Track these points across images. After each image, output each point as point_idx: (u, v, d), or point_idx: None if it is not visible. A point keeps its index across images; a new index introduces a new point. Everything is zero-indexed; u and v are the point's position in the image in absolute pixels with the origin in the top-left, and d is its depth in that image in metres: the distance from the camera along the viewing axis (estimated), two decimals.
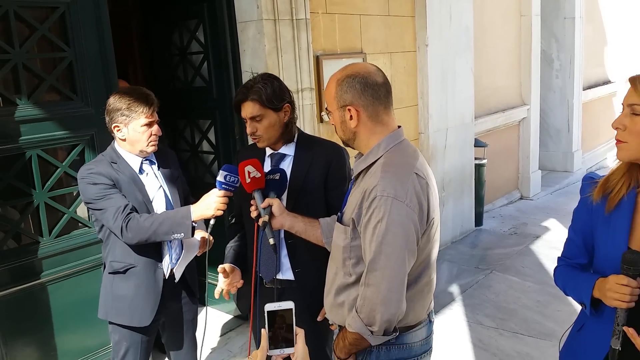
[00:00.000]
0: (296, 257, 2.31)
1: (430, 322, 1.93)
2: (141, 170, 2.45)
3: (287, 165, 2.31)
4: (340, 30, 4.20)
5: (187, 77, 4.13)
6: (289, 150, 2.33)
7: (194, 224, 2.30)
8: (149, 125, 2.36)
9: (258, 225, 2.10)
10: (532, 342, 3.74)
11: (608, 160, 9.30)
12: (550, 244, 5.49)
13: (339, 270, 1.87)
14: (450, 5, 5.27)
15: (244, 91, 2.24)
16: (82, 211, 3.09)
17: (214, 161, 4.09)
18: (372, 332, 1.70)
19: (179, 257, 2.50)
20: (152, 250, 2.42)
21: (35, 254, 2.89)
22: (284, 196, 2.25)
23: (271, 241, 2.06)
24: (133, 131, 2.34)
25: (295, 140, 2.34)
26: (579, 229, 1.83)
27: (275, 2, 3.59)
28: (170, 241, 2.44)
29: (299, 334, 1.31)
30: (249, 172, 2.05)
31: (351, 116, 1.76)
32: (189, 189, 2.71)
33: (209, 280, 3.80)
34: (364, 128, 1.78)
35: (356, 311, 1.74)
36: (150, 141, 2.38)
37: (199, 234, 2.53)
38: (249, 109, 2.22)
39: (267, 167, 2.32)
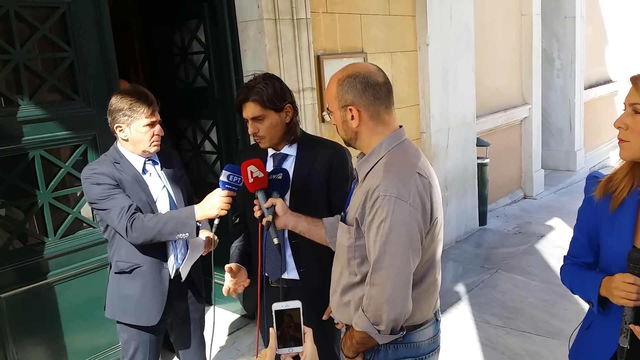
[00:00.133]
0: (300, 256, 2.31)
1: (437, 321, 1.93)
2: (144, 171, 2.44)
3: (289, 166, 2.30)
4: (341, 29, 4.20)
5: (188, 77, 4.13)
6: (291, 150, 2.32)
7: (198, 223, 2.30)
8: (151, 125, 2.35)
9: (262, 225, 2.10)
10: (540, 340, 3.73)
11: (611, 159, 9.31)
12: (555, 243, 5.48)
13: (344, 269, 1.87)
14: (451, 5, 5.27)
15: (245, 91, 2.23)
16: (86, 211, 3.09)
17: (217, 161, 4.09)
18: (379, 331, 1.70)
19: (185, 257, 2.50)
20: (157, 250, 2.42)
21: (41, 254, 2.90)
22: (287, 196, 2.25)
23: (275, 241, 2.06)
24: (135, 131, 2.34)
25: (297, 140, 2.33)
26: (584, 227, 1.83)
27: (276, 1, 3.59)
28: (175, 241, 2.44)
29: (307, 332, 1.31)
30: (251, 172, 2.06)
31: (352, 116, 1.76)
32: (192, 189, 2.71)
33: (215, 280, 3.80)
34: (365, 128, 1.78)
35: (362, 310, 1.73)
36: (153, 141, 2.38)
37: (204, 234, 2.53)
38: (250, 110, 2.21)
39: (270, 167, 2.31)
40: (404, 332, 1.75)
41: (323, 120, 3.99)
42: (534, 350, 3.60)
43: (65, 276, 2.97)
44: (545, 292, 4.43)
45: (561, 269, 1.94)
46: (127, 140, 2.37)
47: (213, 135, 4.05)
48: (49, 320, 2.94)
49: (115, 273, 2.45)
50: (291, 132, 2.29)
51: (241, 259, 2.42)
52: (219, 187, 2.22)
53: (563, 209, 6.68)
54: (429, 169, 1.79)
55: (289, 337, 1.29)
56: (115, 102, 2.32)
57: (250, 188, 2.08)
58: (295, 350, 1.29)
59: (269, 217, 2.04)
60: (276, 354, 1.29)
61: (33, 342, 2.89)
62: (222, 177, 2.19)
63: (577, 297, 1.86)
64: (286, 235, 2.28)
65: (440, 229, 1.81)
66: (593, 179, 1.82)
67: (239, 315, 4.11)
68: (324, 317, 2.21)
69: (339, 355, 2.32)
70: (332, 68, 3.88)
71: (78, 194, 3.09)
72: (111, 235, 2.43)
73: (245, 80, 3.64)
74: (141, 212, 2.34)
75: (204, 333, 2.74)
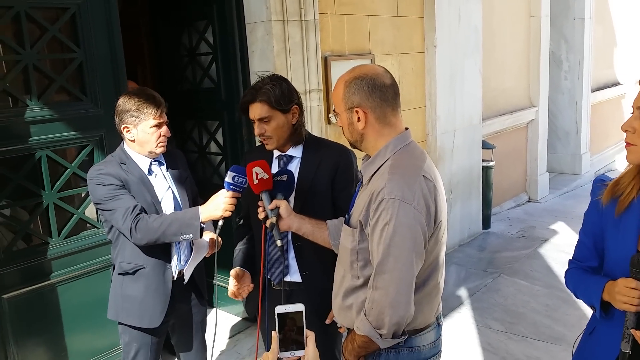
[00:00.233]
0: (304, 259, 2.31)
1: (439, 325, 1.93)
2: (150, 171, 2.45)
3: (294, 167, 2.31)
4: (349, 31, 4.20)
5: (195, 78, 4.14)
6: (296, 152, 2.33)
7: (202, 225, 2.30)
8: (158, 126, 2.37)
9: (265, 227, 2.11)
10: (542, 346, 3.72)
11: (617, 162, 9.25)
12: (559, 248, 5.47)
13: (346, 272, 1.87)
14: (459, 6, 5.26)
15: (252, 92, 2.23)
16: (90, 212, 3.09)
17: (222, 162, 4.09)
18: (380, 335, 1.70)
19: (188, 259, 2.50)
20: (161, 251, 2.43)
21: (44, 254, 2.90)
22: (292, 198, 2.25)
23: (278, 243, 2.06)
24: (142, 132, 2.35)
25: (303, 142, 2.34)
26: (590, 231, 1.83)
27: (284, 3, 3.59)
28: (179, 242, 2.45)
29: (310, 336, 1.32)
30: (256, 174, 2.06)
31: (359, 118, 1.76)
32: (197, 190, 2.72)
33: (219, 283, 3.80)
34: (371, 130, 1.78)
35: (364, 314, 1.73)
36: (159, 142, 2.39)
37: (208, 235, 2.53)
38: (257, 110, 2.21)
39: (275, 168, 2.32)
40: (406, 337, 1.75)
41: (329, 122, 4.00)
42: (535, 356, 3.60)
43: (69, 277, 2.98)
44: (548, 297, 4.42)
45: (566, 272, 1.93)
46: (133, 141, 2.38)
47: (219, 137, 4.06)
48: (50, 321, 2.95)
49: (119, 274, 2.46)
50: (297, 134, 2.30)
51: (245, 262, 2.43)
52: (224, 188, 2.22)
53: (568, 213, 6.65)
54: (434, 171, 1.79)
55: (291, 340, 1.30)
56: (123, 103, 2.34)
57: (255, 189, 2.08)
58: (297, 354, 1.30)
59: (273, 219, 2.04)
60: (278, 357, 1.30)
61: (34, 343, 2.89)
62: (227, 178, 2.19)
63: (579, 302, 1.86)
64: (289, 237, 2.28)
65: (444, 232, 1.81)
66: (600, 182, 1.81)
67: (240, 318, 4.11)
68: (327, 321, 2.21)
69: (340, 359, 2.33)
70: (339, 69, 3.89)
71: (83, 195, 3.09)
72: (115, 236, 2.44)
73: (252, 81, 3.66)
74: (146, 212, 2.35)
75: (205, 336, 2.74)
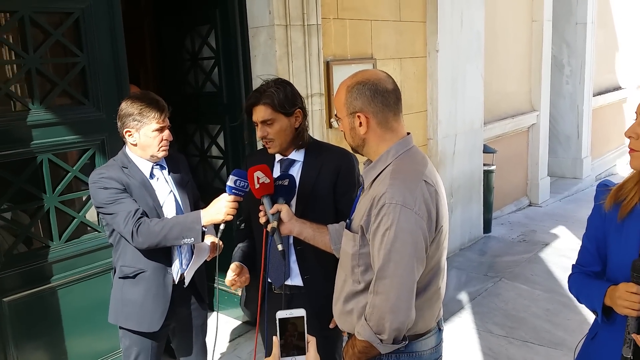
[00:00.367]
0: (305, 263, 2.31)
1: (440, 330, 1.93)
2: (152, 175, 2.45)
3: (296, 171, 2.31)
4: (351, 35, 4.21)
5: (197, 82, 4.15)
6: (298, 156, 2.33)
7: (204, 228, 2.31)
8: (160, 130, 2.37)
9: (267, 231, 2.10)
10: (543, 351, 3.72)
11: (617, 167, 9.24)
12: (560, 252, 5.46)
13: (347, 277, 1.87)
14: (462, 11, 5.26)
15: (256, 95, 2.24)
16: (91, 216, 3.09)
17: (223, 166, 4.10)
18: (381, 340, 1.70)
19: (189, 262, 2.50)
20: (161, 255, 2.43)
21: (45, 258, 2.90)
22: (293, 202, 2.25)
23: (280, 247, 2.06)
24: (144, 136, 2.35)
25: (305, 146, 2.35)
26: (593, 236, 1.83)
27: (287, 7, 3.60)
28: (180, 246, 2.45)
29: (311, 341, 1.31)
30: (258, 178, 2.06)
31: (360, 123, 1.76)
32: (199, 194, 2.72)
33: (220, 287, 3.80)
34: (373, 135, 1.78)
35: (365, 319, 1.73)
36: (161, 146, 2.39)
37: (209, 239, 2.53)
38: (260, 113, 2.22)
39: (277, 172, 2.32)
40: (407, 342, 1.75)
41: (330, 126, 4.00)
42: None
43: (69, 280, 2.98)
44: (549, 301, 4.41)
45: (569, 277, 1.93)
46: (135, 145, 2.38)
47: (220, 141, 4.07)
48: (51, 325, 2.94)
49: (120, 278, 2.45)
50: (299, 137, 2.30)
51: (244, 259, 2.42)
52: (225, 192, 2.23)
53: (568, 217, 6.66)
54: (435, 176, 1.79)
55: (292, 345, 1.30)
56: (126, 107, 2.34)
57: (256, 194, 2.09)
58: (298, 359, 1.30)
59: (274, 223, 2.05)
60: None
61: (34, 346, 2.89)
62: (229, 182, 2.19)
63: (580, 307, 1.87)
64: (291, 241, 2.28)
65: (445, 237, 1.81)
66: (603, 187, 1.81)
67: (240, 322, 4.10)
68: (331, 326, 2.21)
69: None
70: (341, 74, 3.89)
71: (84, 198, 3.09)
72: (116, 240, 2.44)
73: (254, 85, 3.67)
74: (147, 216, 2.35)
75: (206, 339, 2.74)
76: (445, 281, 1.91)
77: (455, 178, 5.50)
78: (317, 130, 3.83)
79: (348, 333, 1.93)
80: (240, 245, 2.49)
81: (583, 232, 1.90)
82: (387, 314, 1.67)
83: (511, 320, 4.14)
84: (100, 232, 3.08)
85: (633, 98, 9.60)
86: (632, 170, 1.71)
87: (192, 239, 2.29)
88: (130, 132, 2.36)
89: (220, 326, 3.91)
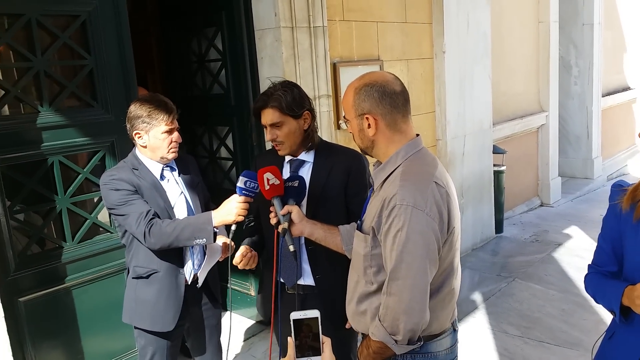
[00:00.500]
0: (317, 263, 2.30)
1: (455, 331, 1.91)
2: (162, 177, 2.46)
3: (306, 172, 2.31)
4: (358, 37, 4.20)
5: (205, 84, 4.16)
6: (308, 157, 2.33)
7: (215, 229, 2.31)
8: (170, 132, 2.37)
9: (278, 232, 2.10)
10: (559, 351, 3.68)
11: (629, 167, 9.19)
12: (573, 252, 5.42)
13: (360, 278, 1.86)
14: (468, 12, 5.26)
15: (264, 98, 2.25)
16: (103, 216, 3.11)
17: (232, 167, 4.11)
18: (396, 341, 1.69)
19: (201, 263, 2.51)
20: (174, 255, 2.43)
21: (59, 258, 2.92)
22: (304, 203, 2.25)
23: (291, 248, 2.06)
24: (154, 138, 2.36)
25: (315, 147, 2.34)
26: (608, 236, 1.82)
27: (293, 9, 3.61)
28: (193, 247, 2.45)
29: (326, 342, 1.31)
30: (267, 179, 2.07)
31: (369, 125, 1.76)
32: (209, 195, 2.73)
33: (233, 287, 3.79)
34: (382, 136, 1.78)
35: (379, 320, 1.72)
36: (171, 148, 2.40)
37: (221, 240, 2.54)
38: (268, 116, 2.22)
39: (286, 173, 2.32)
40: (422, 342, 1.73)
41: (339, 127, 4.00)
42: None
43: (83, 281, 2.99)
44: (564, 301, 4.37)
45: (585, 277, 1.92)
46: (145, 147, 2.39)
47: (229, 142, 4.08)
48: (66, 324, 2.96)
49: (133, 278, 2.46)
50: (309, 139, 2.30)
51: (252, 243, 2.40)
52: (235, 193, 2.23)
53: (580, 217, 6.62)
54: (446, 177, 1.78)
55: (307, 346, 1.30)
56: (135, 109, 2.34)
57: (266, 195, 2.09)
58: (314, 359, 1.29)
59: (285, 225, 2.05)
60: None
61: (51, 345, 2.91)
62: (239, 183, 2.20)
63: (595, 306, 1.85)
64: (302, 241, 2.28)
65: (457, 237, 1.79)
66: (618, 187, 1.80)
67: (254, 321, 4.12)
68: (347, 326, 2.20)
69: None
70: (347, 75, 3.89)
71: (95, 200, 3.11)
72: (129, 240, 2.44)
73: (262, 87, 3.67)
74: (159, 217, 2.35)
75: (220, 339, 2.74)
76: (460, 282, 1.89)
77: (466, 178, 5.48)
78: (325, 131, 3.83)
79: (362, 333, 1.91)
80: (247, 236, 2.47)
81: (596, 232, 1.88)
82: (401, 315, 1.66)
83: (526, 321, 4.11)
84: (112, 232, 3.10)
85: None
86: None
87: (204, 239, 2.29)
88: (139, 134, 2.36)
89: (234, 326, 3.93)
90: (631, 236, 1.70)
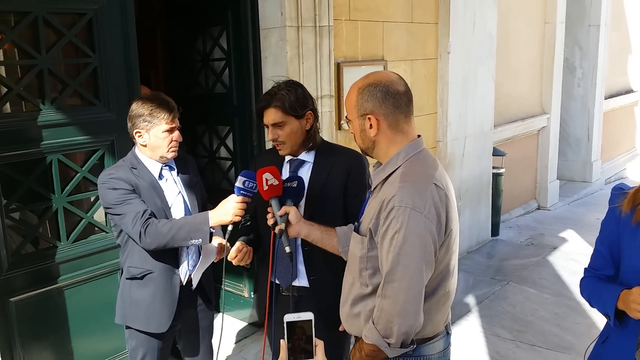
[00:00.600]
0: (312, 264, 2.31)
1: (448, 334, 1.92)
2: (161, 176, 2.46)
3: (305, 172, 2.31)
4: (363, 37, 4.20)
5: (208, 83, 4.15)
6: (308, 156, 2.33)
7: (211, 229, 2.31)
8: (170, 131, 2.37)
9: (274, 233, 2.11)
10: (551, 355, 3.70)
11: (627, 170, 9.17)
12: (568, 255, 5.43)
13: (355, 280, 1.87)
14: (474, 12, 5.23)
15: (267, 98, 2.25)
16: (99, 216, 3.09)
17: (231, 167, 4.11)
18: (389, 344, 1.70)
19: (196, 264, 2.51)
20: (169, 256, 2.43)
21: (52, 258, 2.90)
22: (302, 203, 2.25)
23: (287, 249, 2.07)
24: (154, 137, 2.36)
25: (316, 147, 2.35)
26: (606, 239, 1.83)
27: (299, 9, 3.60)
28: (188, 247, 2.45)
29: (319, 345, 1.31)
30: (266, 180, 2.07)
31: (371, 125, 1.76)
32: (207, 195, 2.72)
33: (227, 288, 3.78)
34: (383, 137, 1.78)
35: (373, 322, 1.73)
36: (171, 147, 2.40)
37: (216, 241, 2.53)
38: (271, 116, 2.23)
39: (286, 173, 2.33)
40: (414, 346, 1.74)
41: (340, 128, 4.00)
42: None
43: (76, 281, 2.98)
44: (557, 305, 4.40)
45: (581, 281, 1.93)
46: (145, 145, 2.39)
47: (229, 142, 4.07)
48: (57, 325, 2.95)
49: (127, 279, 2.46)
50: (310, 139, 2.31)
51: (248, 241, 2.40)
52: (233, 193, 2.23)
53: (577, 221, 6.62)
54: (446, 179, 1.79)
55: (300, 349, 1.30)
56: (136, 108, 2.35)
57: (264, 196, 2.09)
58: None
59: (282, 225, 2.05)
60: None
61: (41, 346, 2.89)
62: (238, 183, 2.20)
63: (588, 310, 1.87)
64: (298, 242, 2.28)
65: (455, 240, 1.80)
66: (618, 190, 1.81)
67: (246, 323, 4.10)
68: (340, 329, 2.22)
69: None
70: (351, 75, 3.89)
71: (92, 199, 3.09)
72: (124, 240, 2.44)
73: (265, 87, 3.68)
74: (156, 217, 2.35)
75: (212, 341, 2.73)
76: (455, 285, 1.90)
77: (464, 181, 5.48)
78: (326, 132, 3.83)
79: (355, 336, 1.92)
80: (243, 235, 2.46)
81: (592, 235, 1.89)
82: (395, 318, 1.66)
83: (519, 324, 4.13)
84: (107, 232, 3.08)
85: None
86: None
87: (200, 239, 2.29)
88: (140, 132, 2.36)
89: (227, 327, 3.90)
90: (629, 240, 1.71)
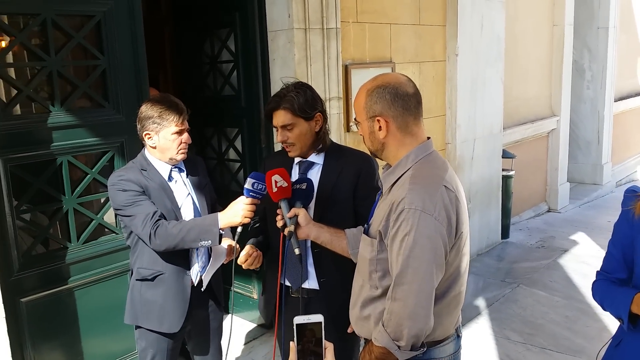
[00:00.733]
0: (322, 266, 2.31)
1: (459, 337, 1.91)
2: (170, 178, 2.47)
3: (315, 174, 2.31)
4: (370, 39, 4.20)
5: (216, 85, 4.16)
6: (318, 158, 2.33)
7: (221, 231, 2.31)
8: (180, 133, 2.38)
9: (284, 235, 2.10)
10: (562, 358, 3.68)
11: (638, 173, 9.11)
12: (579, 258, 5.39)
13: (365, 283, 1.86)
14: (482, 15, 5.23)
15: (276, 99, 2.24)
16: (109, 217, 3.11)
17: (240, 169, 4.11)
18: (399, 347, 1.69)
19: (206, 265, 2.51)
20: (180, 257, 2.44)
21: (63, 259, 2.92)
22: (312, 205, 2.25)
23: (297, 251, 2.07)
24: (164, 139, 2.36)
25: (326, 149, 2.34)
26: (619, 242, 1.81)
27: (307, 11, 3.60)
28: (198, 249, 2.46)
29: (329, 348, 1.31)
30: (275, 182, 2.07)
31: (380, 127, 1.75)
32: (216, 197, 2.73)
33: (236, 290, 3.78)
34: (392, 139, 1.77)
35: (383, 325, 1.72)
36: (180, 149, 2.40)
37: (226, 242, 2.53)
38: (280, 118, 2.22)
39: (295, 174, 2.32)
40: (425, 349, 1.73)
41: (348, 129, 4.00)
42: None
43: (86, 282, 2.99)
44: (568, 308, 4.36)
45: (593, 284, 1.91)
46: (154, 147, 2.40)
47: (238, 144, 4.08)
48: (67, 326, 2.96)
49: (137, 280, 2.46)
50: (320, 141, 2.30)
51: (257, 243, 2.39)
52: (242, 195, 2.23)
53: (588, 224, 6.58)
54: (456, 181, 1.78)
55: (310, 351, 1.29)
56: (146, 110, 2.36)
57: (273, 197, 2.09)
58: None
59: (291, 227, 2.05)
60: None
61: (51, 346, 2.91)
62: (247, 185, 2.19)
63: (600, 314, 1.85)
64: (308, 244, 2.28)
65: (465, 242, 1.79)
66: (631, 192, 1.80)
67: (255, 325, 4.11)
68: (349, 331, 2.21)
69: None
70: (359, 77, 3.89)
71: (102, 200, 3.11)
72: (134, 242, 2.45)
73: (273, 89, 3.68)
74: (165, 219, 2.36)
75: (221, 342, 2.74)
76: (465, 287, 1.89)
77: (474, 183, 5.46)
78: (334, 134, 3.83)
79: (365, 338, 1.92)
80: (253, 237, 2.46)
81: (603, 238, 1.88)
82: (405, 321, 1.65)
83: (529, 327, 4.10)
84: (117, 233, 3.10)
85: None
86: None
87: (210, 241, 2.30)
88: (149, 134, 2.37)
89: (235, 329, 3.93)
90: None
